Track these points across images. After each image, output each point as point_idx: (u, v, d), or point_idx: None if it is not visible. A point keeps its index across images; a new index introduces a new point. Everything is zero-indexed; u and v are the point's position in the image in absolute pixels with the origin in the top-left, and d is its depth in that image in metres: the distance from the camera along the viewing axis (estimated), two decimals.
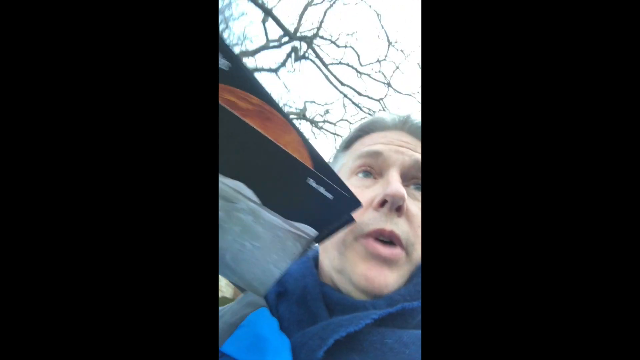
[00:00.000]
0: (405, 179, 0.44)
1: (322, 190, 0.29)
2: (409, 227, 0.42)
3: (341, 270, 0.42)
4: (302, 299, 0.42)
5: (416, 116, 0.50)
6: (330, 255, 0.44)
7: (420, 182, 0.45)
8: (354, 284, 0.41)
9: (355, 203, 0.31)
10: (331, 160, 0.56)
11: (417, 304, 0.37)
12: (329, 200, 0.30)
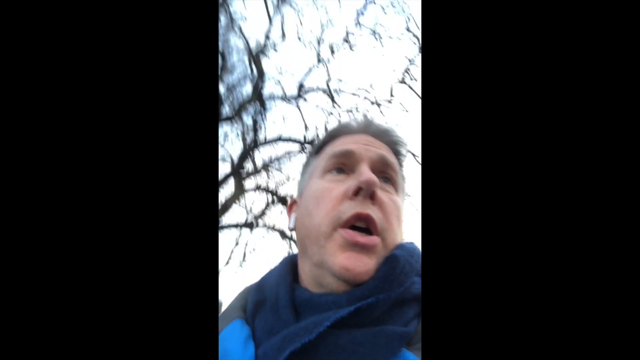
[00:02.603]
0: (374, 172, 0.48)
1: None
2: (382, 214, 0.45)
3: (321, 263, 0.44)
4: (275, 307, 0.44)
5: (377, 121, 0.56)
6: (310, 251, 0.47)
7: (390, 173, 0.50)
8: (335, 275, 0.42)
9: None
10: (304, 166, 0.60)
11: (372, 300, 0.39)
12: None
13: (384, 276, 0.41)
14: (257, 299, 0.47)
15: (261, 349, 0.40)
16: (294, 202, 0.57)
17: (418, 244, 0.48)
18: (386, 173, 0.49)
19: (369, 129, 0.54)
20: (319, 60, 5.31)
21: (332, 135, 0.56)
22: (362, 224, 0.44)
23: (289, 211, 0.57)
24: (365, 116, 0.57)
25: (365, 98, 5.32)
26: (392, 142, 0.53)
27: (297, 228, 0.52)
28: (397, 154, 0.53)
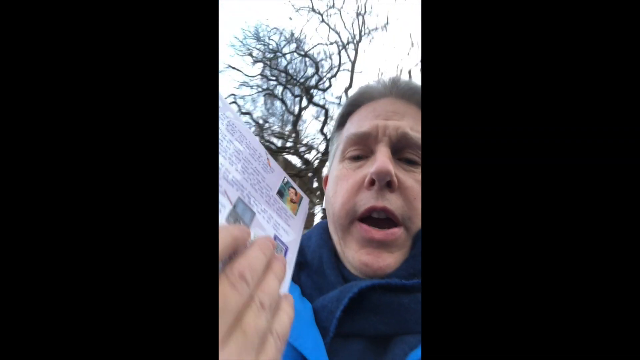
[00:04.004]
0: (396, 152, 0.43)
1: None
2: (403, 202, 0.41)
3: (342, 254, 0.43)
4: (320, 269, 0.44)
5: (405, 77, 0.49)
6: (334, 238, 0.45)
7: (412, 153, 0.43)
8: (355, 268, 0.41)
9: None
10: (330, 141, 0.56)
11: None
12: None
13: (419, 252, 0.39)
14: (298, 261, 0.46)
15: (318, 302, 0.40)
16: (326, 179, 0.54)
17: None
18: (409, 153, 0.43)
19: (394, 90, 0.47)
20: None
21: (353, 105, 0.50)
22: (381, 215, 0.41)
23: (325, 187, 0.54)
24: (391, 77, 0.49)
25: None
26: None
27: (326, 209, 0.50)
28: None
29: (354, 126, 0.47)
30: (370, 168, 0.41)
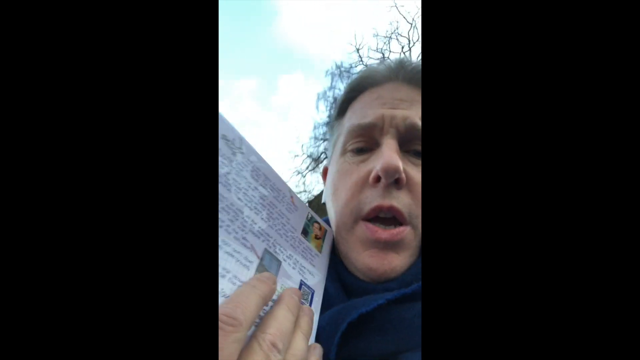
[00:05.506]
0: (404, 144, 0.39)
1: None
2: (412, 199, 0.37)
3: (345, 256, 0.40)
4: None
5: (412, 59, 0.43)
6: (336, 239, 0.42)
7: (419, 147, 0.39)
8: (359, 271, 0.38)
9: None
10: (328, 131, 0.52)
11: None
12: None
13: None
14: None
15: (318, 322, 0.37)
16: (325, 171, 0.50)
17: None
18: (418, 145, 0.39)
19: (401, 73, 0.42)
20: None
21: (355, 90, 0.45)
22: (387, 215, 0.37)
23: (324, 180, 0.50)
24: (398, 58, 0.44)
25: None
26: None
27: (326, 204, 0.46)
28: None
29: (356, 115, 0.42)
30: (375, 162, 0.38)
